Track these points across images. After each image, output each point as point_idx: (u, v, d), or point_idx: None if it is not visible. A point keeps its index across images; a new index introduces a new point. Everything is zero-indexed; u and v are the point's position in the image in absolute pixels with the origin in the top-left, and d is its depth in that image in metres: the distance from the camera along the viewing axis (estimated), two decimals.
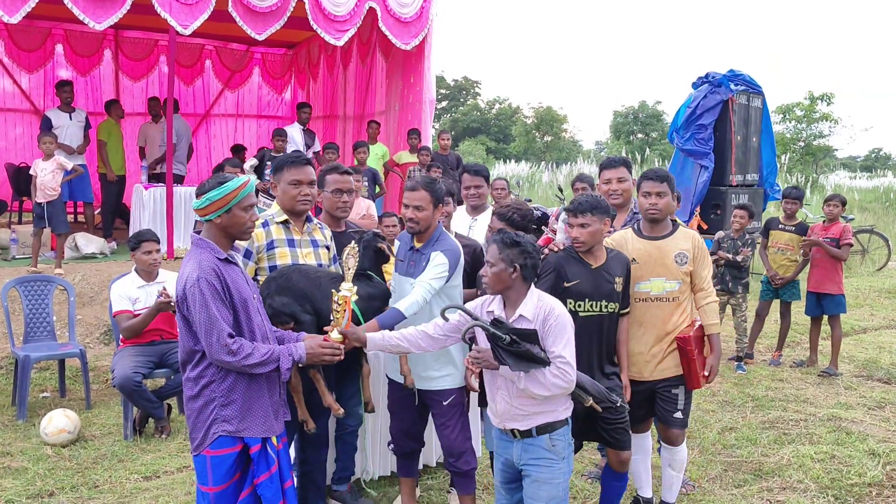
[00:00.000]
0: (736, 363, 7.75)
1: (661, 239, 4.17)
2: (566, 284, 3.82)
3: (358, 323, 3.74)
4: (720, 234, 8.07)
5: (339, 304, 3.46)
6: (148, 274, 5.93)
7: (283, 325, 3.67)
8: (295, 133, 11.18)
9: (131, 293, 5.86)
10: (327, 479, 4.68)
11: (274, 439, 3.36)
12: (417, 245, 4.07)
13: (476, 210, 5.58)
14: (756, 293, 8.49)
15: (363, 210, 7.71)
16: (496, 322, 3.22)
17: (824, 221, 7.84)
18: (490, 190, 8.21)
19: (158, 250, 5.98)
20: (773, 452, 5.54)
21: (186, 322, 3.17)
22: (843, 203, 7.84)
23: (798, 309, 8.29)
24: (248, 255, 3.82)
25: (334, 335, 3.44)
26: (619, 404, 3.62)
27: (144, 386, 5.68)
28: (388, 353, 3.69)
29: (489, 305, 3.45)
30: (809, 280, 7.79)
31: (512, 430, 3.40)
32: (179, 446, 5.62)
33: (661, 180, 4.13)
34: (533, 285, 3.40)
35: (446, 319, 3.49)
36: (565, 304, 3.71)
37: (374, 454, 4.92)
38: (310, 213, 4.10)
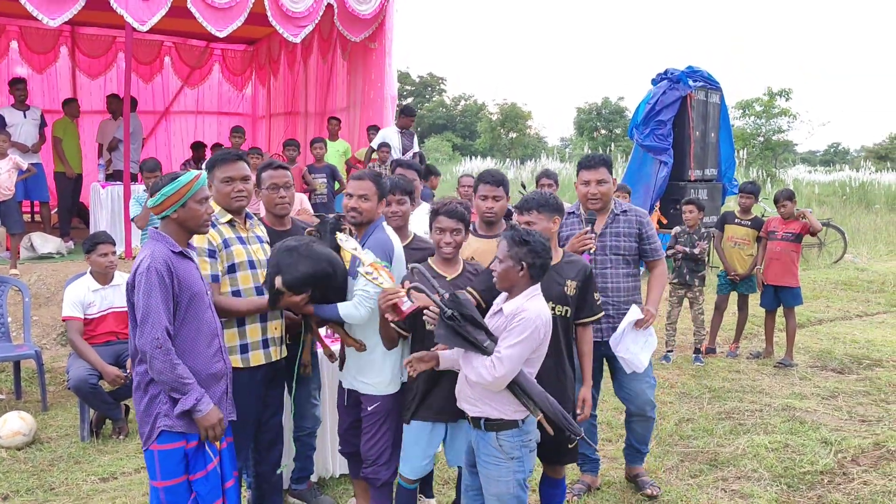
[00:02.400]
0: (694, 355, 7.86)
1: (496, 238, 4.04)
2: None
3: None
4: (677, 228, 8.18)
5: (370, 273, 3.48)
6: (103, 277, 5.86)
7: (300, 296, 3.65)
8: (392, 136, 11.09)
9: (85, 297, 5.79)
10: (287, 479, 4.68)
11: None
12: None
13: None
14: (713, 286, 8.62)
15: (297, 205, 7.67)
16: (453, 297, 3.23)
17: (783, 217, 7.93)
18: (458, 187, 8.26)
19: (114, 252, 5.91)
20: (728, 442, 5.63)
21: (134, 310, 3.18)
22: (791, 198, 7.89)
23: (754, 301, 8.42)
24: (212, 254, 3.74)
25: (407, 304, 3.48)
26: (578, 437, 3.56)
27: (100, 387, 5.62)
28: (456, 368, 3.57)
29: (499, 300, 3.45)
30: (767, 273, 7.91)
31: (466, 416, 3.44)
32: (137, 447, 5.56)
33: (498, 184, 4.20)
34: (538, 286, 3.38)
35: (412, 301, 3.48)
36: None
37: (335, 453, 4.91)
38: (248, 209, 4.02)
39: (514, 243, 3.30)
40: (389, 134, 10.96)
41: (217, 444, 3.36)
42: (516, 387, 3.29)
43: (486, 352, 3.21)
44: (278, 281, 3.63)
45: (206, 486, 3.32)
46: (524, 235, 3.31)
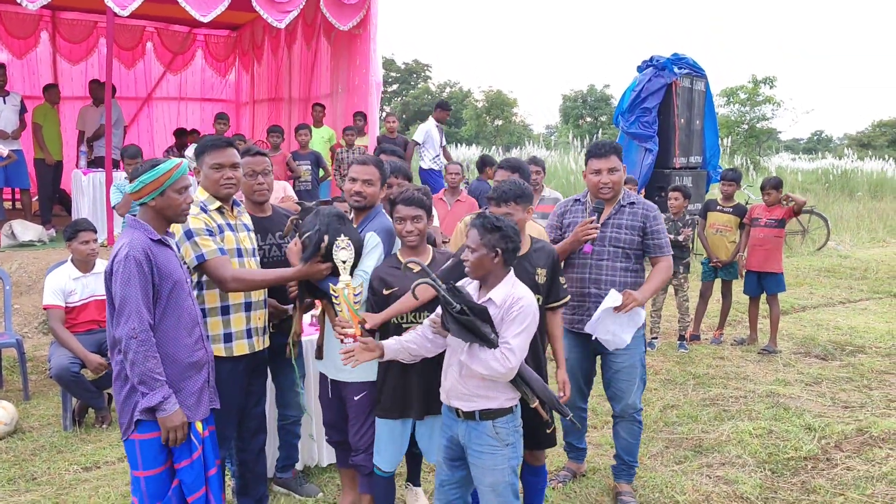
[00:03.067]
0: (678, 342, 7.89)
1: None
2: None
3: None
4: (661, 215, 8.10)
5: (336, 297, 3.46)
6: (85, 264, 5.80)
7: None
8: (434, 131, 11.05)
9: (66, 285, 5.73)
10: (272, 467, 4.66)
11: (199, 426, 3.34)
12: (353, 224, 3.95)
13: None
14: (698, 274, 8.64)
15: (280, 193, 7.63)
16: (453, 290, 3.20)
17: (767, 205, 7.95)
18: (445, 175, 8.21)
19: (96, 240, 5.85)
20: (713, 429, 5.65)
21: (113, 299, 3.14)
22: (777, 187, 7.93)
23: (739, 288, 8.45)
24: (211, 233, 3.68)
25: (350, 331, 3.46)
26: (568, 417, 3.56)
27: (83, 376, 5.57)
28: (404, 359, 3.54)
29: (466, 288, 3.39)
30: (751, 260, 7.93)
31: (456, 410, 3.39)
32: (120, 436, 5.51)
33: (515, 170, 4.22)
34: (511, 272, 3.37)
35: (416, 297, 3.46)
36: None
37: (321, 442, 4.89)
38: (235, 197, 3.98)
39: (486, 230, 3.26)
40: (431, 129, 10.93)
41: (200, 429, 3.33)
42: (517, 376, 3.28)
43: (494, 344, 3.19)
44: (326, 240, 3.56)
45: (190, 474, 3.30)
46: (495, 222, 3.28)
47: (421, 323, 3.64)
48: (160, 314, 3.21)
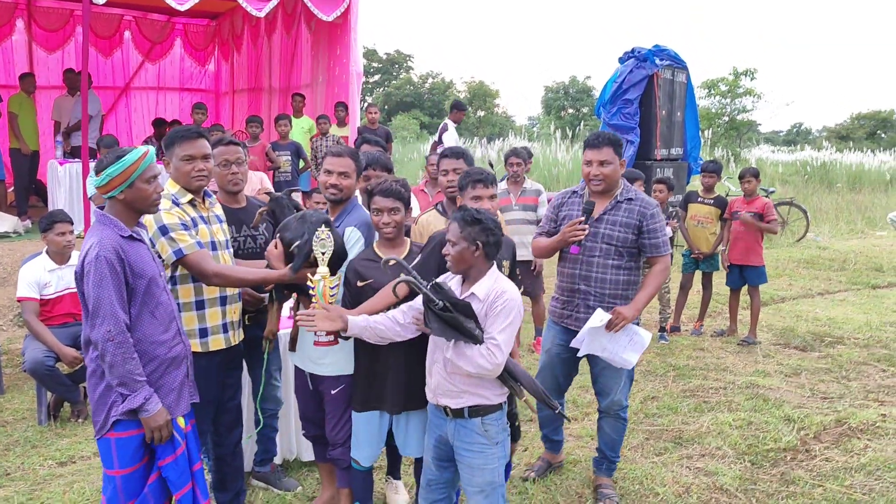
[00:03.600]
0: (659, 333, 7.90)
1: None
2: None
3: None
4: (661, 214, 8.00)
5: (312, 290, 3.41)
6: (60, 256, 5.70)
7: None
8: (454, 133, 11.11)
9: (41, 277, 5.63)
10: (250, 461, 4.61)
11: (182, 421, 3.28)
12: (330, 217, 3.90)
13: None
14: (678, 265, 8.65)
15: (257, 184, 7.55)
16: (435, 286, 3.16)
17: (745, 196, 8.00)
18: (427, 165, 8.15)
19: (72, 232, 5.75)
20: (693, 420, 5.66)
21: (85, 299, 3.07)
22: (756, 176, 7.97)
23: (719, 279, 8.48)
24: (186, 227, 3.59)
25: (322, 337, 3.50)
26: (557, 411, 3.55)
27: (58, 369, 5.49)
28: (370, 339, 3.47)
29: (448, 283, 3.36)
30: (732, 252, 7.95)
31: (445, 409, 3.35)
32: None
33: (458, 157, 4.13)
34: (494, 266, 3.33)
35: (397, 296, 3.41)
36: None
37: (299, 436, 4.85)
38: (206, 188, 3.91)
39: (466, 223, 3.22)
40: (452, 132, 10.92)
41: (182, 424, 3.29)
42: (505, 371, 3.25)
43: (478, 340, 3.15)
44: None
45: (175, 470, 3.24)
46: (475, 214, 3.24)
47: None
48: (136, 312, 3.13)
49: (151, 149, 3.22)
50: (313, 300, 3.45)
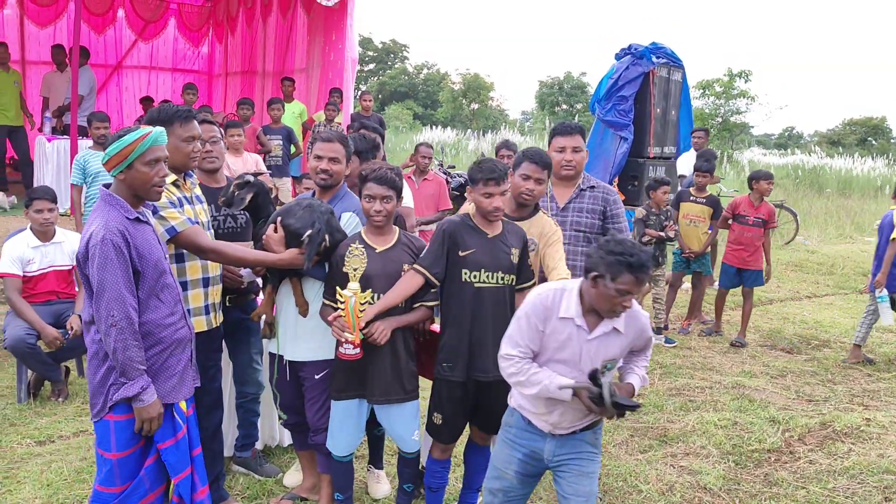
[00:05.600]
0: (655, 334, 7.76)
1: (519, 220, 3.92)
2: (461, 253, 3.63)
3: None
4: (641, 211, 7.85)
5: (342, 302, 3.41)
6: (43, 234, 5.58)
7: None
8: None
9: (24, 253, 5.52)
10: (231, 447, 4.56)
11: (183, 405, 3.24)
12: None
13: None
14: (668, 264, 8.63)
15: (252, 166, 7.48)
16: (593, 374, 3.01)
17: (750, 196, 7.88)
18: (416, 156, 8.11)
19: (52, 209, 5.58)
20: (678, 419, 5.65)
21: (89, 282, 3.00)
22: (771, 180, 7.91)
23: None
24: (173, 205, 3.54)
25: (349, 336, 3.46)
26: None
27: (39, 347, 5.41)
28: None
29: (561, 312, 3.08)
30: (733, 257, 7.88)
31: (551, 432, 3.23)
32: (77, 410, 5.40)
33: (544, 166, 3.85)
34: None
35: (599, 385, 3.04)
36: (460, 274, 3.62)
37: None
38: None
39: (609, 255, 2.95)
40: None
41: (184, 408, 3.25)
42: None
43: (638, 406, 3.08)
44: (328, 239, 3.60)
45: (175, 454, 3.19)
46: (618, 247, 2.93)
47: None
48: (144, 295, 3.06)
49: (155, 130, 3.08)
50: (342, 314, 3.43)
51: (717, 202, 8.06)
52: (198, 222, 3.70)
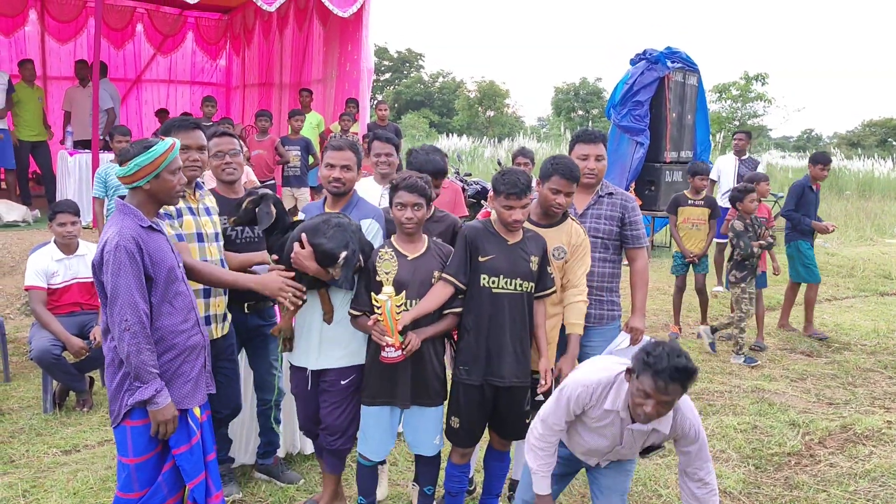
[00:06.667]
0: (740, 356, 7.30)
1: (547, 227, 3.96)
2: (480, 259, 3.68)
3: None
4: (739, 225, 7.25)
5: (378, 308, 3.47)
6: (66, 247, 5.69)
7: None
8: None
9: (49, 266, 5.63)
10: (253, 454, 4.63)
11: (197, 410, 3.30)
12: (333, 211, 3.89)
13: (386, 178, 4.85)
14: (667, 268, 8.57)
15: (243, 178, 7.51)
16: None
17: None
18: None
19: (75, 223, 5.70)
20: None
21: (104, 289, 3.08)
22: (766, 181, 7.99)
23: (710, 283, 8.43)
24: (168, 216, 3.63)
25: (389, 340, 3.50)
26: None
27: (64, 358, 5.50)
28: None
29: (603, 403, 3.18)
30: None
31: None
32: (101, 419, 5.47)
33: (573, 180, 3.86)
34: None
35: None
36: (478, 280, 3.66)
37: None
38: (198, 180, 3.92)
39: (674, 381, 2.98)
40: None
41: (198, 414, 3.30)
42: None
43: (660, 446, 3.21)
44: (362, 259, 3.65)
45: (190, 460, 3.25)
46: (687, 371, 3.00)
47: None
48: (156, 302, 3.14)
49: (178, 141, 3.25)
50: (380, 319, 3.49)
51: (714, 203, 8.07)
52: (201, 233, 3.77)
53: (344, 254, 3.53)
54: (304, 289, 3.66)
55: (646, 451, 3.13)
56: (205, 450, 3.35)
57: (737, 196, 7.36)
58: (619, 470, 3.27)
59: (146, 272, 3.09)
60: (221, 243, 3.97)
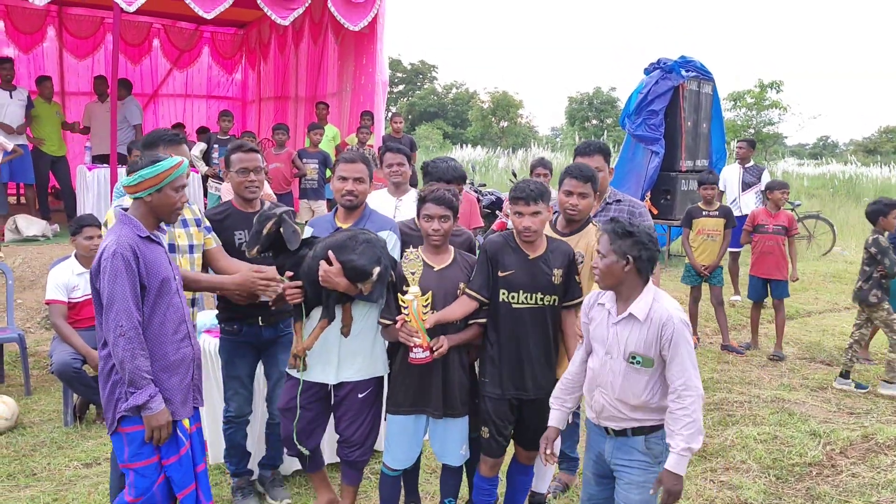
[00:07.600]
0: (849, 381, 6.85)
1: (569, 235, 3.97)
2: (500, 273, 3.67)
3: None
4: (884, 241, 6.66)
5: (405, 308, 3.53)
6: (88, 260, 5.74)
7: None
8: None
9: (69, 280, 5.70)
10: (254, 463, 4.63)
11: (186, 422, 3.34)
12: (344, 225, 3.89)
13: (399, 189, 5.00)
14: (678, 278, 8.50)
15: (227, 195, 7.55)
16: None
17: (767, 205, 7.92)
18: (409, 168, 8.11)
19: (100, 235, 5.79)
20: (717, 434, 5.61)
21: (100, 296, 3.14)
22: (786, 188, 7.98)
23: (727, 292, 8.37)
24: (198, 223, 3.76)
25: (417, 340, 3.56)
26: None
27: (84, 372, 5.55)
28: None
29: (600, 299, 3.27)
30: (759, 267, 7.84)
31: (605, 428, 3.25)
32: None
33: (584, 180, 3.89)
34: (650, 283, 3.18)
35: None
36: (497, 295, 3.66)
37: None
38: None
39: (617, 236, 3.08)
40: None
41: (187, 425, 3.34)
42: None
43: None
44: (393, 275, 3.72)
45: (179, 471, 3.30)
46: (627, 227, 3.08)
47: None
48: (148, 311, 3.20)
49: (185, 160, 3.32)
50: (407, 318, 3.52)
51: (729, 212, 8.00)
52: (173, 244, 3.80)
53: (377, 269, 3.54)
54: (286, 281, 3.68)
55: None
56: (194, 460, 3.39)
57: (882, 210, 6.70)
58: (631, 482, 3.17)
59: (141, 280, 3.15)
60: (197, 255, 3.97)
